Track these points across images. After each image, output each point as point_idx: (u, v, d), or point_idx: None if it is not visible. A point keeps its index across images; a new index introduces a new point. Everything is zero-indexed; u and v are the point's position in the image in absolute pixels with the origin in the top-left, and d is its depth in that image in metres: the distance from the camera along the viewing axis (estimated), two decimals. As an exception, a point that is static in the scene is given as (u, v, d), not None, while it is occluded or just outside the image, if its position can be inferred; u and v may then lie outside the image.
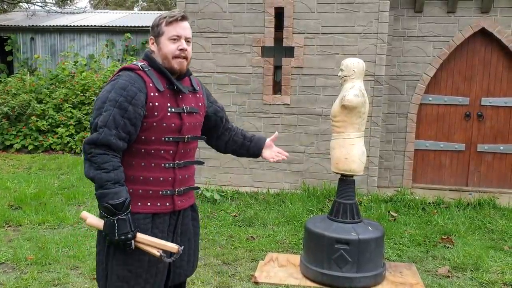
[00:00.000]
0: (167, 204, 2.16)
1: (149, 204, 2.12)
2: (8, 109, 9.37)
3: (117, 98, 2.01)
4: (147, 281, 2.13)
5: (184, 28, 2.14)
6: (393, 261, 4.36)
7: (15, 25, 13.16)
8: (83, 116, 9.47)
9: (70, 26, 13.02)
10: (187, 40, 2.15)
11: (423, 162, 6.66)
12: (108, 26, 12.88)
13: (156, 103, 2.08)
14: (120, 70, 2.14)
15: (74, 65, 10.75)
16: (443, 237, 4.85)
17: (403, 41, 6.37)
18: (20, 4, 16.07)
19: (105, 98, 2.03)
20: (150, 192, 2.12)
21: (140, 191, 2.11)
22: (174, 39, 2.12)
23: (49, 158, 8.76)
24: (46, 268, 3.97)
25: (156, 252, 1.99)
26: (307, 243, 3.90)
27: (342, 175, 3.87)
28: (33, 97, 9.62)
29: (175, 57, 2.12)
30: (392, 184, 6.56)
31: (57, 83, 10.05)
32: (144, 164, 2.11)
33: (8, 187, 6.49)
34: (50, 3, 15.93)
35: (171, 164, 2.16)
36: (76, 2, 19.70)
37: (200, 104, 2.29)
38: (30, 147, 9.29)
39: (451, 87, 6.50)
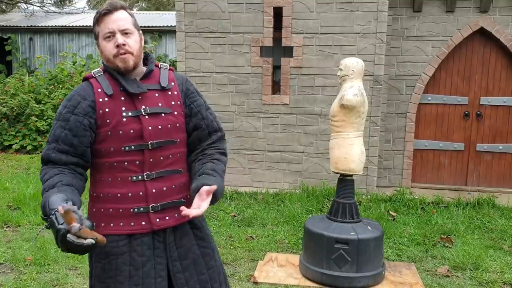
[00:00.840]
0: (143, 223, 1.87)
1: (121, 224, 1.87)
2: (7, 110, 9.36)
3: (62, 110, 1.88)
4: None
5: (115, 21, 1.85)
6: (393, 260, 4.36)
7: (13, 26, 13.15)
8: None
9: (69, 26, 13.01)
10: (124, 33, 1.85)
11: (422, 161, 6.66)
12: (107, 26, 12.86)
13: (107, 109, 1.85)
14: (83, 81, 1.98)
15: (73, 65, 10.74)
16: (443, 236, 4.85)
17: (402, 41, 6.37)
18: (19, 4, 16.04)
19: (58, 113, 1.89)
20: (120, 210, 1.87)
21: (111, 209, 1.89)
22: (109, 37, 1.86)
23: (48, 158, 8.76)
24: (45, 268, 3.96)
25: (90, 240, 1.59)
26: (306, 243, 3.90)
27: (341, 174, 3.87)
28: (31, 97, 9.61)
29: (115, 55, 1.86)
30: (391, 183, 6.56)
31: (56, 84, 10.04)
32: (110, 179, 1.89)
33: (7, 187, 6.48)
34: (49, 3, 15.91)
35: (140, 177, 1.87)
36: (75, 3, 19.69)
37: (172, 103, 1.95)
38: (29, 148, 9.28)
39: (450, 86, 6.50)
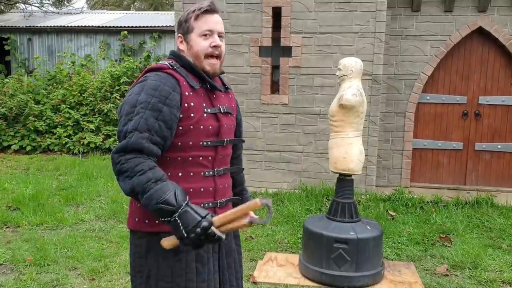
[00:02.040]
0: None
1: None
2: (6, 110, 9.35)
3: (149, 99, 1.76)
4: None
5: (216, 22, 1.89)
6: (392, 260, 4.36)
7: (12, 26, 13.14)
8: (81, 117, 9.45)
9: (67, 26, 13.00)
10: (220, 35, 1.90)
11: (421, 161, 6.67)
12: (106, 26, 12.86)
13: (192, 103, 1.84)
14: (147, 71, 1.90)
15: (72, 65, 10.73)
16: (442, 235, 4.86)
17: (401, 40, 6.38)
18: (17, 4, 16.03)
19: (135, 101, 1.77)
20: None
21: None
22: (206, 35, 1.87)
23: (47, 159, 8.75)
24: (44, 269, 3.96)
25: (244, 223, 1.65)
26: (306, 242, 3.91)
27: (341, 174, 3.87)
28: (30, 97, 9.60)
29: (208, 55, 1.87)
30: (390, 183, 6.57)
31: (55, 84, 10.03)
32: (181, 174, 1.84)
33: (6, 188, 6.47)
34: (47, 3, 15.90)
35: (211, 172, 1.90)
36: (73, 3, 19.67)
37: (233, 105, 2.07)
38: (28, 148, 9.27)
39: (449, 86, 6.51)
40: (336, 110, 3.80)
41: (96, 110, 9.52)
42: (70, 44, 12.85)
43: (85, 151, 9.24)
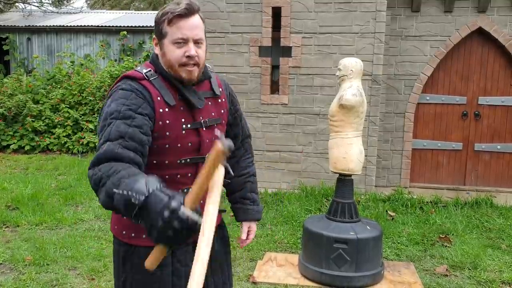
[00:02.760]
0: None
1: None
2: (5, 110, 9.34)
3: (119, 108, 1.61)
4: None
5: (192, 28, 1.69)
6: (392, 260, 4.37)
7: (11, 25, 13.12)
8: (80, 117, 9.44)
9: (67, 26, 12.99)
10: (196, 42, 1.74)
11: (420, 161, 6.67)
12: (105, 26, 12.85)
13: (167, 121, 1.68)
14: (121, 79, 1.74)
15: (71, 65, 10.72)
16: (441, 236, 4.86)
17: (400, 41, 6.38)
18: (17, 4, 16.02)
19: (106, 114, 1.63)
20: None
21: None
22: (179, 43, 1.69)
23: (46, 158, 8.74)
24: (44, 268, 3.96)
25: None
26: (305, 242, 3.90)
27: (340, 174, 3.87)
28: (29, 97, 9.59)
29: (182, 65, 1.70)
30: (390, 183, 6.57)
31: (54, 84, 10.02)
32: (163, 176, 1.63)
33: (5, 187, 6.47)
34: (47, 3, 15.89)
35: (190, 189, 1.55)
36: (73, 2, 19.66)
37: (222, 111, 1.88)
38: (27, 148, 9.26)
39: (448, 86, 6.52)
40: (336, 110, 3.80)
41: (95, 109, 9.51)
42: (69, 43, 12.84)
43: (84, 150, 9.23)
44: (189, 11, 1.68)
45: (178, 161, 1.72)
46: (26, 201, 5.77)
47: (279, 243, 4.70)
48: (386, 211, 5.61)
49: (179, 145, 1.71)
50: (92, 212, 5.55)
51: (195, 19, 1.71)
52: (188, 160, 1.74)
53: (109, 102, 1.66)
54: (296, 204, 5.72)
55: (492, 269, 4.14)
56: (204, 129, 1.77)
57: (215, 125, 1.82)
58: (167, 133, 1.69)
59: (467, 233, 5.01)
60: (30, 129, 9.34)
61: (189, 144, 1.74)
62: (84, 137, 9.22)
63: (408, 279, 3.89)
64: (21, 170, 7.85)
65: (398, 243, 4.75)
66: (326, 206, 5.60)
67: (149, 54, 11.17)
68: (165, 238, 1.26)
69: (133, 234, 1.76)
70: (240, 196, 2.05)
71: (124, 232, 1.79)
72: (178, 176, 1.75)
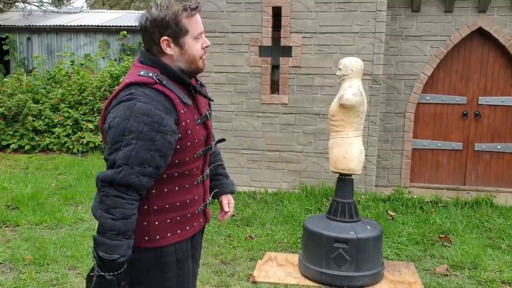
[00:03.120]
0: (201, 220, 1.94)
1: (187, 228, 1.85)
2: (5, 110, 9.33)
3: (140, 127, 1.60)
4: None
5: (201, 21, 1.79)
6: (392, 260, 4.37)
7: (11, 25, 13.12)
8: (80, 116, 9.44)
9: (67, 26, 12.99)
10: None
11: (420, 161, 6.67)
12: (105, 26, 12.85)
13: (188, 120, 1.74)
14: (129, 85, 1.67)
15: (71, 65, 10.71)
16: (441, 236, 4.86)
17: (401, 41, 6.38)
18: (17, 3, 16.01)
19: (123, 129, 1.61)
20: (188, 215, 1.84)
21: (178, 217, 1.81)
22: (198, 38, 1.77)
23: (46, 158, 8.74)
24: (44, 268, 3.96)
25: None
26: (305, 242, 3.90)
27: (340, 174, 3.87)
28: (29, 97, 9.59)
29: (201, 57, 1.81)
30: (390, 183, 6.57)
31: (54, 83, 10.02)
32: (177, 188, 1.79)
33: (5, 187, 6.46)
34: (47, 2, 15.89)
35: (201, 178, 1.89)
36: (73, 2, 19.66)
37: (206, 101, 1.96)
38: (27, 147, 9.25)
39: (449, 86, 6.52)
40: (336, 110, 3.80)
41: (95, 109, 9.50)
42: (69, 43, 12.84)
43: (84, 150, 9.23)
44: (200, 6, 1.71)
45: (195, 156, 1.81)
46: (26, 201, 5.77)
47: (279, 242, 4.70)
48: (386, 211, 5.61)
49: (196, 140, 1.79)
50: (92, 211, 5.54)
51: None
52: (201, 152, 1.84)
53: (124, 113, 1.62)
54: (296, 204, 5.72)
55: (492, 269, 4.14)
56: (208, 120, 1.88)
57: (210, 115, 1.93)
58: (189, 132, 1.75)
59: (467, 233, 5.01)
60: (30, 129, 9.34)
61: (202, 138, 1.83)
62: (84, 137, 9.22)
63: (408, 279, 3.89)
64: (21, 169, 7.85)
65: (398, 242, 4.75)
66: (326, 206, 5.60)
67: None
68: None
69: (166, 235, 1.80)
70: (214, 174, 2.14)
71: (146, 238, 1.78)
72: (194, 169, 1.84)
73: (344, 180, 3.88)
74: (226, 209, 2.12)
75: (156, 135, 1.63)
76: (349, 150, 3.78)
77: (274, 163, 6.35)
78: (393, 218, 5.42)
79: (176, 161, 1.75)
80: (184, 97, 1.74)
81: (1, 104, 9.40)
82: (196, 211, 1.88)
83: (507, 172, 6.52)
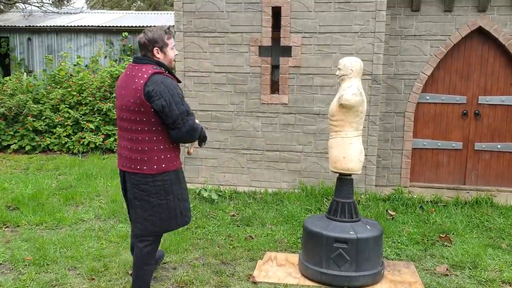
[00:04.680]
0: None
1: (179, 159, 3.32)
2: (5, 110, 9.34)
3: (179, 92, 3.13)
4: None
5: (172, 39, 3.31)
6: (392, 259, 4.36)
7: (11, 26, 13.13)
8: (81, 117, 9.44)
9: (67, 26, 13.00)
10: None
11: (420, 160, 6.67)
12: (105, 26, 12.86)
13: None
14: (154, 74, 3.09)
15: (75, 66, 10.70)
16: (441, 235, 4.86)
17: (400, 40, 6.38)
18: (17, 4, 16.02)
19: (177, 92, 3.10)
20: (179, 151, 3.33)
21: (177, 152, 3.29)
22: (173, 48, 3.27)
23: (47, 158, 8.74)
24: (44, 268, 3.96)
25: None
26: (305, 242, 3.90)
27: (340, 174, 3.87)
28: (29, 97, 9.59)
29: (174, 60, 3.32)
30: (390, 183, 6.57)
31: (54, 84, 10.01)
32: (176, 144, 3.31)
33: (5, 188, 6.47)
34: (47, 3, 15.90)
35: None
36: (73, 2, 19.66)
37: None
38: (28, 148, 9.26)
39: (448, 85, 6.51)
40: (336, 110, 3.80)
41: (95, 109, 9.51)
42: (70, 44, 12.85)
43: (84, 151, 9.23)
44: (171, 30, 3.29)
45: None
46: (26, 201, 5.78)
47: (279, 242, 4.70)
48: (386, 210, 5.61)
49: None
50: (93, 212, 5.55)
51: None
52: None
53: (167, 87, 3.08)
54: (296, 204, 5.72)
55: (493, 269, 4.14)
56: None
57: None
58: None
59: (467, 233, 5.01)
60: (30, 129, 9.34)
61: None
62: (85, 137, 9.22)
63: (408, 279, 3.89)
64: (21, 170, 7.85)
65: (398, 242, 4.75)
66: (326, 205, 5.60)
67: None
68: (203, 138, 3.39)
69: (175, 163, 3.26)
70: None
71: (170, 164, 3.21)
72: None
73: (344, 180, 3.88)
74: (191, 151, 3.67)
75: (182, 94, 3.22)
76: (348, 150, 3.78)
77: (274, 163, 6.36)
78: (393, 218, 5.42)
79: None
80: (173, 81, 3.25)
81: (2, 104, 9.41)
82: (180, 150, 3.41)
83: (507, 172, 6.52)
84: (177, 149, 3.28)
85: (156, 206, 3.17)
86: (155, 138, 3.11)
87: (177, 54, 3.30)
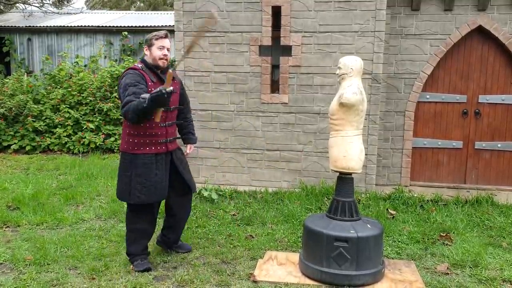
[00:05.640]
0: (163, 147, 3.85)
1: (152, 148, 3.80)
2: (5, 110, 9.34)
3: (131, 81, 3.64)
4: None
5: (167, 43, 3.81)
6: (392, 258, 4.36)
7: (11, 26, 13.14)
8: (81, 117, 9.45)
9: (67, 26, 13.00)
10: (167, 49, 3.81)
11: (421, 159, 6.67)
12: (105, 26, 12.86)
13: (153, 88, 3.64)
14: (128, 69, 3.78)
15: (75, 66, 10.70)
16: (442, 234, 4.86)
17: (400, 39, 6.38)
18: (17, 4, 16.03)
19: (125, 84, 3.64)
20: (153, 141, 3.79)
21: (148, 140, 3.76)
22: (160, 48, 3.77)
23: (47, 158, 8.75)
24: (44, 268, 3.96)
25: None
26: (306, 241, 3.90)
27: (341, 173, 3.87)
28: (30, 97, 9.59)
29: (160, 58, 3.78)
30: (390, 182, 6.57)
31: (54, 84, 10.02)
32: (148, 125, 3.73)
33: (6, 188, 6.48)
34: (47, 3, 15.91)
35: (164, 124, 3.82)
36: (73, 3, 19.66)
37: (177, 87, 3.94)
38: (28, 148, 9.26)
39: (449, 85, 6.51)
40: (336, 109, 3.80)
41: (96, 109, 9.51)
42: (70, 44, 12.85)
43: (85, 150, 9.24)
44: (166, 36, 3.81)
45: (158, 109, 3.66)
46: (26, 201, 5.78)
47: (279, 242, 4.71)
48: (387, 209, 5.61)
49: None
50: (93, 211, 5.55)
51: (168, 40, 3.85)
52: (162, 109, 3.60)
53: (124, 79, 3.70)
54: (297, 203, 5.72)
55: (493, 267, 4.14)
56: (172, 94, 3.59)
57: (173, 93, 3.61)
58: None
59: (468, 232, 5.01)
60: (30, 129, 9.35)
61: None
62: (85, 137, 9.23)
63: (409, 278, 3.89)
64: (22, 170, 7.86)
65: (399, 241, 4.75)
66: (327, 204, 5.61)
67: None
68: (160, 103, 3.42)
69: (136, 148, 3.77)
70: (185, 132, 4.31)
71: (130, 148, 3.79)
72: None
73: (344, 179, 3.88)
74: (188, 151, 4.30)
75: (138, 84, 3.67)
76: (349, 149, 3.78)
77: (274, 162, 6.36)
78: (393, 217, 5.42)
79: None
80: (152, 77, 3.78)
81: (2, 105, 9.41)
82: (159, 141, 3.81)
83: (508, 171, 6.52)
84: (142, 137, 3.76)
85: (118, 176, 3.91)
86: (124, 122, 3.85)
87: (165, 55, 3.77)
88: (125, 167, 3.80)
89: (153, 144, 3.76)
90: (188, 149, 4.29)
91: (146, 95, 3.39)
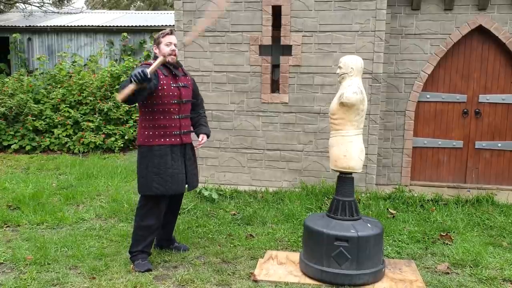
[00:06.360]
0: (178, 139, 3.95)
1: (167, 140, 3.89)
2: (6, 110, 9.34)
3: (137, 74, 3.53)
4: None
5: (173, 38, 3.96)
6: (393, 258, 4.36)
7: (12, 26, 13.14)
8: (81, 116, 9.44)
9: (67, 26, 13.01)
10: (174, 44, 3.94)
11: (421, 159, 6.67)
12: (105, 26, 12.87)
13: (164, 81, 3.86)
14: (141, 64, 3.94)
15: (73, 65, 10.70)
16: (442, 233, 4.86)
17: (401, 39, 6.38)
18: (17, 4, 16.03)
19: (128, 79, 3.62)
20: (168, 132, 3.89)
21: (162, 132, 3.87)
22: (168, 45, 3.90)
23: (47, 158, 8.75)
24: (45, 268, 3.96)
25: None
26: (306, 240, 3.90)
27: (341, 172, 3.87)
28: (30, 97, 9.59)
29: (169, 54, 3.90)
30: (390, 181, 6.57)
31: (54, 83, 10.01)
32: (162, 117, 3.87)
33: (6, 187, 6.48)
34: (47, 3, 15.91)
35: (177, 116, 3.94)
36: (73, 2, 19.66)
37: (189, 82, 4.13)
38: (28, 148, 9.26)
39: (449, 84, 6.51)
40: (336, 108, 3.80)
41: (96, 109, 9.51)
42: (70, 43, 12.85)
43: (85, 150, 9.23)
44: (171, 32, 3.96)
45: (172, 101, 3.89)
46: (27, 201, 5.78)
47: (280, 241, 4.71)
48: (387, 209, 5.61)
49: (170, 93, 3.89)
50: (93, 211, 5.55)
51: (173, 36, 3.99)
52: (175, 101, 3.91)
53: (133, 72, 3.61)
54: (297, 203, 5.72)
55: (494, 267, 4.14)
56: (182, 87, 3.98)
57: (186, 87, 4.04)
58: (165, 87, 3.86)
59: (468, 231, 5.01)
60: (31, 129, 9.34)
61: (175, 94, 3.92)
62: (85, 137, 9.23)
63: (409, 277, 3.89)
64: (22, 170, 7.86)
65: (399, 241, 4.75)
66: (327, 204, 5.60)
67: (149, 53, 11.22)
68: (140, 78, 3.45)
69: (151, 140, 3.87)
70: (198, 124, 4.30)
71: (146, 140, 3.88)
72: (171, 109, 3.90)
73: (345, 179, 3.88)
74: (200, 141, 4.20)
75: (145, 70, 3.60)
76: (349, 149, 3.78)
77: (274, 162, 6.36)
78: (393, 216, 5.42)
79: (160, 101, 3.84)
80: (163, 71, 3.89)
81: (2, 104, 9.41)
82: (173, 133, 3.91)
83: (508, 170, 6.52)
84: (156, 129, 3.87)
85: (137, 170, 3.99)
86: (140, 116, 3.97)
87: (173, 50, 3.89)
88: (142, 159, 3.88)
89: (167, 136, 3.86)
90: (201, 139, 4.22)
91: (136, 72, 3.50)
